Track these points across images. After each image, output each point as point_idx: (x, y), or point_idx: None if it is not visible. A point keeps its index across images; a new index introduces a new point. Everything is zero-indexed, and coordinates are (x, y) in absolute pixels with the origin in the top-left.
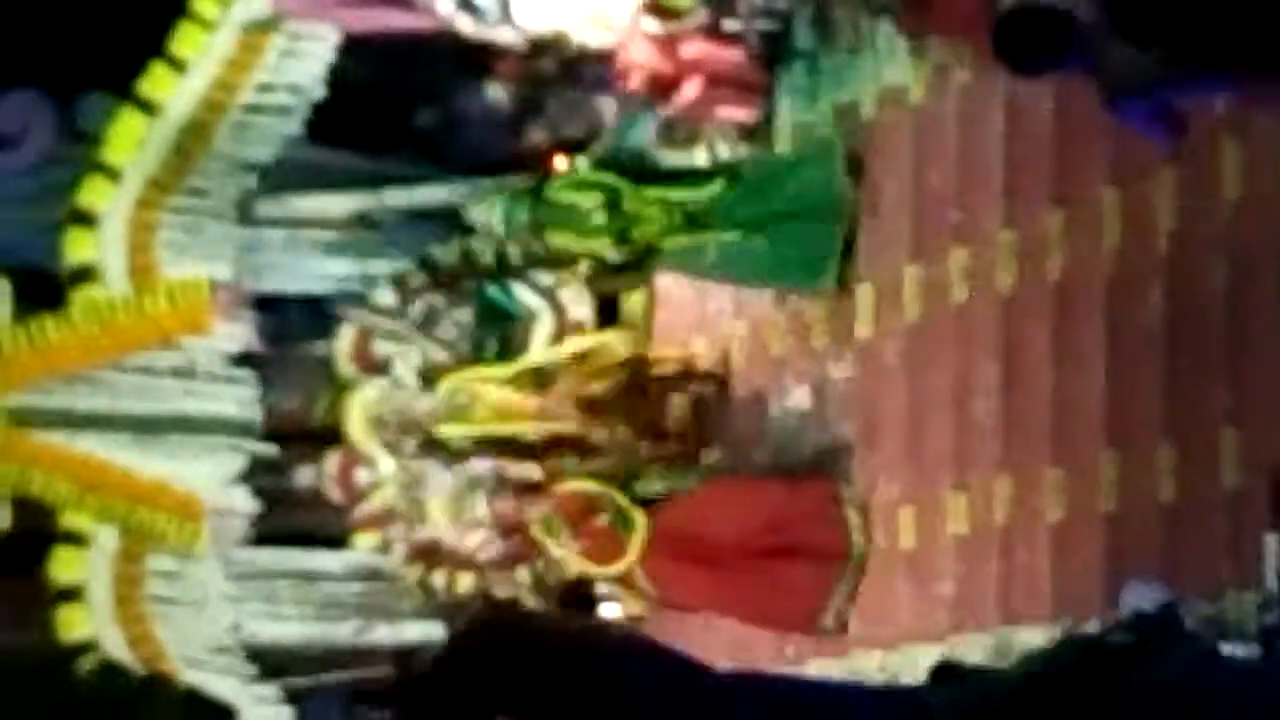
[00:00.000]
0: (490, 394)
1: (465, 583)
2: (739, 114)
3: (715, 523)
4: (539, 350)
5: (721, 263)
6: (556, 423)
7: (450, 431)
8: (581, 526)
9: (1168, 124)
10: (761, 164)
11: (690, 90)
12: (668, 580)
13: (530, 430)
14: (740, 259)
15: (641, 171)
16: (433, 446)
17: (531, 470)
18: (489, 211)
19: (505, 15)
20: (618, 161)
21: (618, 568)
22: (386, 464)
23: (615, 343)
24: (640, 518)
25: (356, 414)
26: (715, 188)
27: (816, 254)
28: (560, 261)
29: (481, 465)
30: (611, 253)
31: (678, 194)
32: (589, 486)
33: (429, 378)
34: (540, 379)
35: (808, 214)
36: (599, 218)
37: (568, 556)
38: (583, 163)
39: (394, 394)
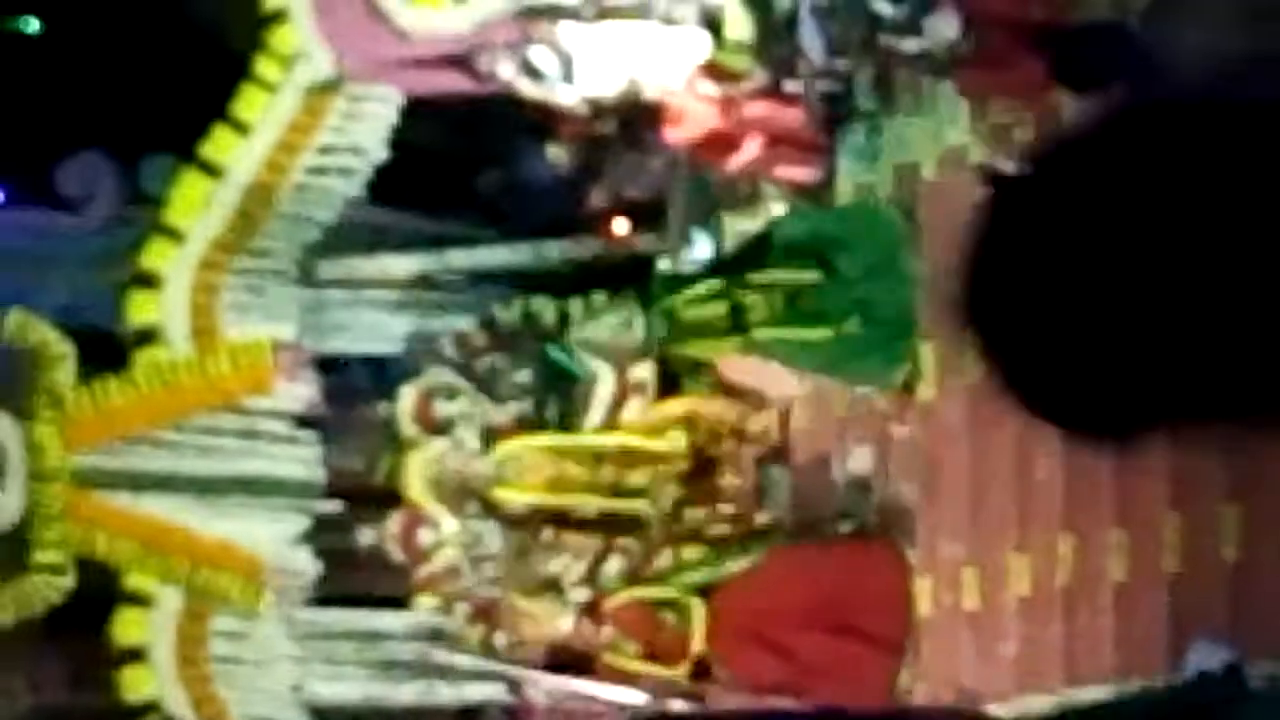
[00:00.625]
0: (545, 465)
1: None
2: (799, 174)
3: (779, 597)
4: (598, 414)
5: (791, 355)
6: (610, 501)
7: (505, 496)
8: (642, 633)
9: None
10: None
11: (750, 150)
12: (734, 663)
13: (583, 504)
14: (807, 355)
15: (739, 259)
16: (493, 508)
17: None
18: (621, 327)
19: (567, 79)
20: (721, 260)
21: (685, 668)
22: (449, 524)
23: (673, 441)
24: (698, 608)
25: (415, 473)
26: (813, 275)
27: (886, 361)
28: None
29: (557, 565)
30: (738, 350)
31: (777, 275)
32: (640, 594)
33: (491, 439)
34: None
35: (885, 322)
36: (725, 324)
37: (641, 669)
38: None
39: (452, 454)
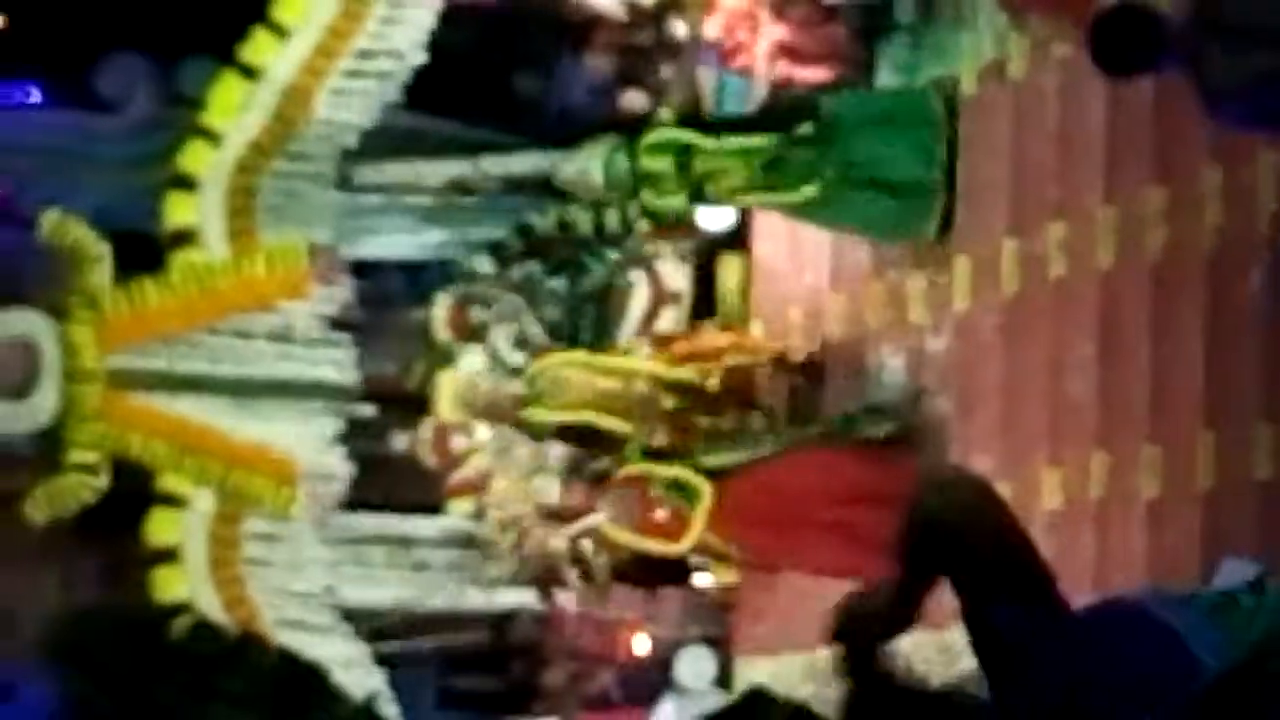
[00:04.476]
0: (580, 384)
1: (558, 549)
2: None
3: (794, 486)
4: (632, 323)
5: (818, 207)
6: (643, 423)
7: (536, 416)
8: (649, 506)
9: (1270, 126)
10: (855, 106)
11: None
12: (746, 543)
13: (616, 425)
14: (836, 204)
15: (724, 122)
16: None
17: (606, 462)
18: (588, 166)
19: None
20: (698, 117)
21: (683, 545)
22: (482, 431)
23: (710, 341)
24: (705, 488)
25: (447, 392)
26: (805, 130)
27: (914, 205)
28: (655, 231)
29: (556, 452)
30: (689, 211)
31: (758, 140)
32: (645, 469)
33: (524, 348)
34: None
35: (900, 170)
36: (670, 180)
37: (634, 541)
38: (666, 116)
39: (484, 375)
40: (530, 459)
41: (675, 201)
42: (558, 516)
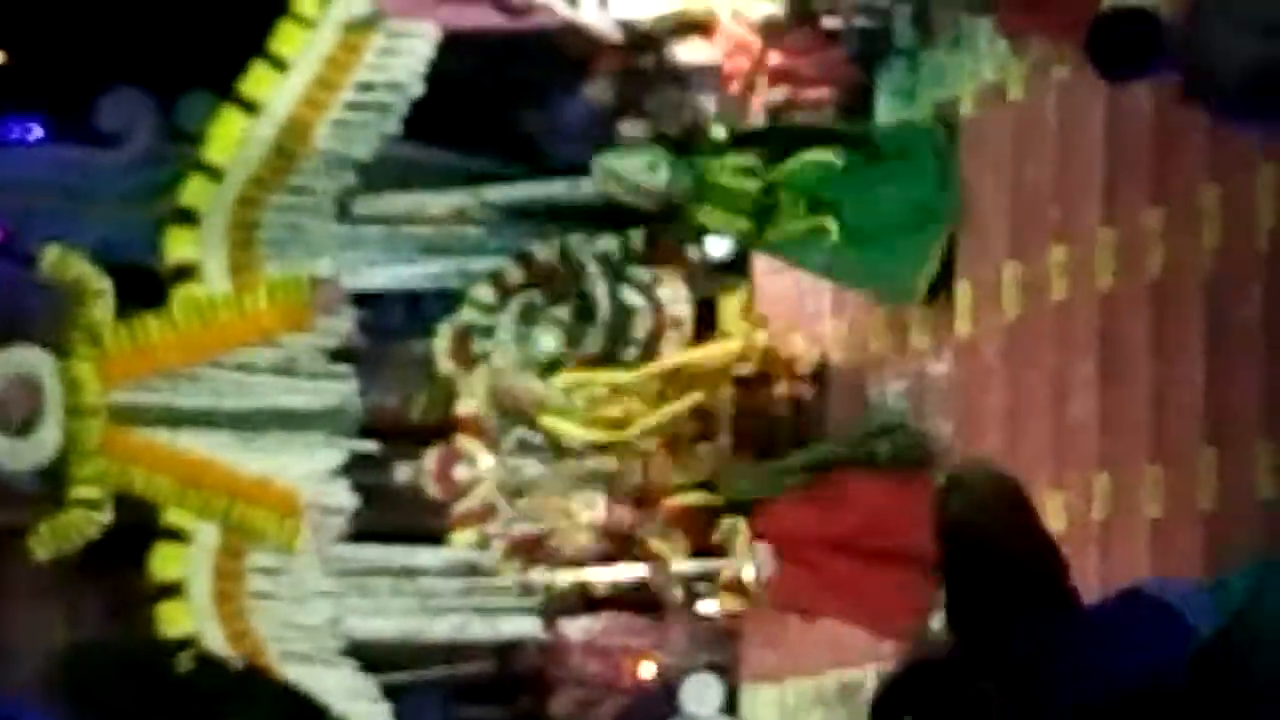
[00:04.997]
0: (611, 404)
1: (563, 579)
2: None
3: (816, 522)
4: (635, 348)
5: (823, 261)
6: (663, 437)
7: (557, 426)
8: (691, 535)
9: (1271, 124)
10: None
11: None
12: (770, 581)
13: (638, 440)
14: (838, 261)
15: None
16: (531, 445)
17: (635, 474)
18: (651, 169)
19: (603, 4)
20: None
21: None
22: (486, 460)
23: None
24: (741, 523)
25: (479, 389)
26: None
27: (908, 269)
28: (657, 258)
29: (601, 464)
30: (750, 235)
31: (808, 156)
32: (698, 499)
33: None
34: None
35: (911, 224)
36: (744, 202)
37: (687, 566)
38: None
39: (514, 373)
40: (571, 473)
41: (742, 223)
42: (608, 536)
